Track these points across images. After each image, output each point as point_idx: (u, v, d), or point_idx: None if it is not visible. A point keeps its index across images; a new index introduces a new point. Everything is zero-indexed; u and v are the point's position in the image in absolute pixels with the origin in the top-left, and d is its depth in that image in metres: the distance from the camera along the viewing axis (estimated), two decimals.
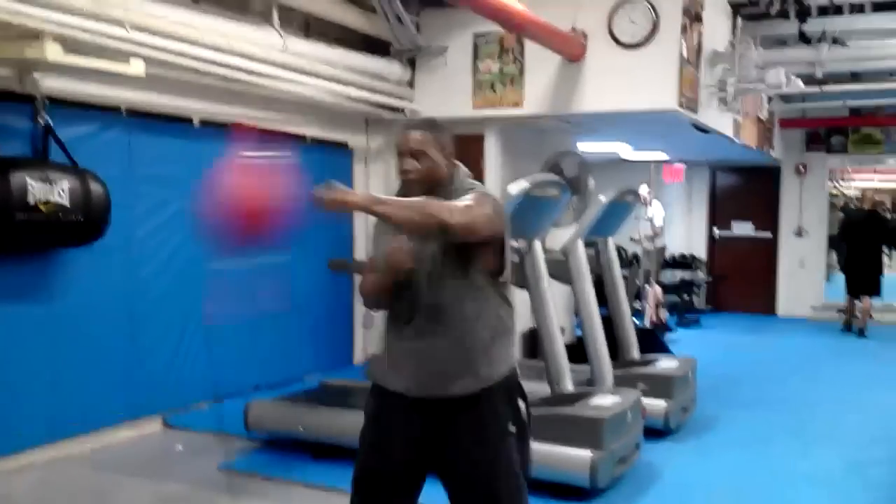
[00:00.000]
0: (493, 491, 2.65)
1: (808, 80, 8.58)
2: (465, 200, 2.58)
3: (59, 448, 5.24)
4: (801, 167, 12.90)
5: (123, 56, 4.75)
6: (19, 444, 5.00)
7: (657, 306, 10.54)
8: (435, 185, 2.69)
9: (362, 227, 8.11)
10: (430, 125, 2.78)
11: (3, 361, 4.71)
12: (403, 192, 2.72)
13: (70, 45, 4.43)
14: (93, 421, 5.48)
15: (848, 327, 11.35)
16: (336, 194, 2.43)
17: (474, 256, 2.64)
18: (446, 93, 7.57)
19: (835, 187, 15.92)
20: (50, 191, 4.60)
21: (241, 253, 2.74)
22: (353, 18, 7.09)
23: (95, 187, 4.90)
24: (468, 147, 7.72)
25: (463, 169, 2.81)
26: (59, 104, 5.05)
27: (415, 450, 2.72)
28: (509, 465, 2.67)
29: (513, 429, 2.69)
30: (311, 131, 7.29)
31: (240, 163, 2.65)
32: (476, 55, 7.47)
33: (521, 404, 2.75)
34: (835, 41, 8.22)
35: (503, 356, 2.72)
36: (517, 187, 4.73)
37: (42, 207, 4.57)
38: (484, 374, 2.66)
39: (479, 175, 7.68)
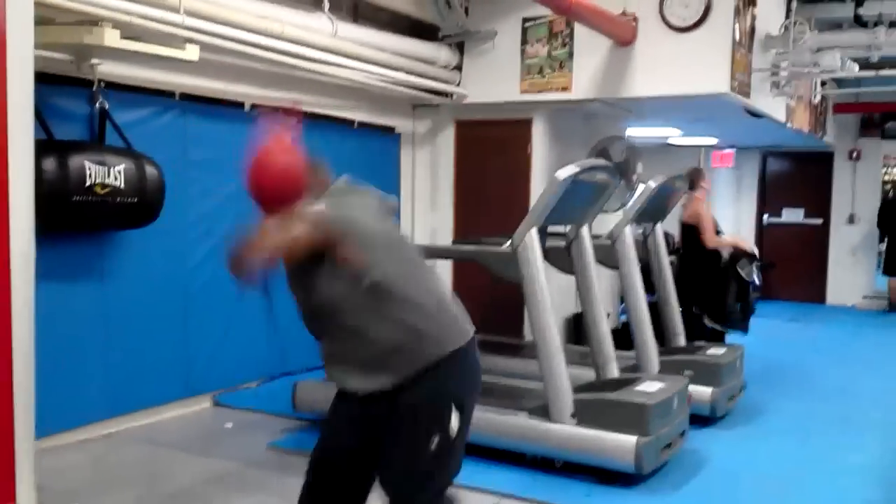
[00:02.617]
0: (404, 489, 2.72)
1: (864, 64, 8.42)
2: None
3: (114, 424, 5.39)
4: (854, 153, 12.66)
5: (179, 41, 4.82)
6: (77, 421, 5.14)
7: None
8: None
9: (407, 213, 8.17)
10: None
11: (61, 340, 4.83)
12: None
13: (127, 31, 4.51)
14: (146, 398, 5.62)
15: (891, 307, 11.29)
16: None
17: (321, 267, 2.63)
18: (494, 77, 7.57)
19: (887, 174, 15.59)
20: (106, 173, 4.69)
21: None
22: (401, 3, 7.11)
23: (150, 170, 4.99)
24: (515, 131, 7.74)
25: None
26: (116, 88, 5.15)
27: (354, 444, 2.80)
28: (429, 458, 2.66)
29: (435, 440, 2.64)
30: (359, 116, 7.34)
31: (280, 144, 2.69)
32: (524, 39, 7.45)
33: (454, 416, 2.67)
34: (891, 25, 8.06)
35: (418, 353, 2.65)
36: (565, 172, 4.72)
37: (98, 189, 4.66)
38: (394, 374, 2.65)
39: (526, 160, 7.70)
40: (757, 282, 7.22)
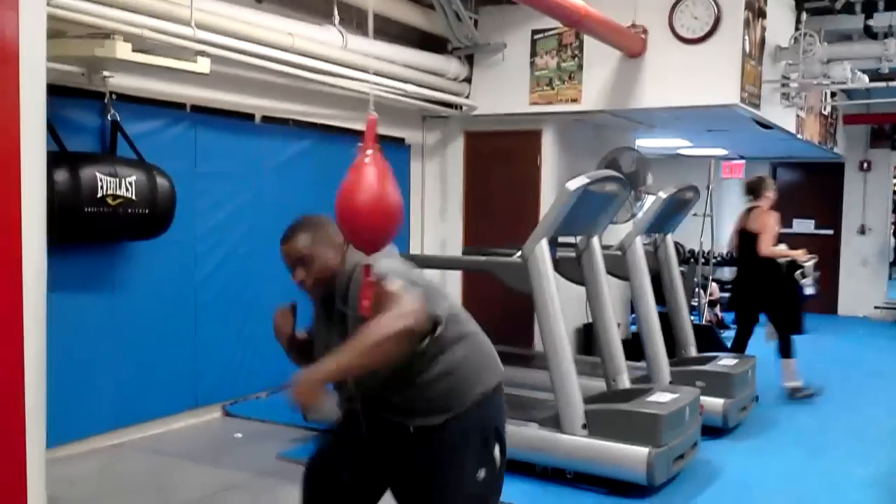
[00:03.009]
0: None
1: (874, 75, 8.40)
2: (391, 288, 2.37)
3: (124, 434, 5.39)
4: (864, 164, 12.62)
5: (190, 54, 4.85)
6: (85, 430, 5.15)
7: (714, 304, 10.41)
8: (332, 277, 2.62)
9: (417, 224, 8.18)
10: (301, 227, 2.69)
11: (70, 350, 4.84)
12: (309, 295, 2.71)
13: (138, 44, 4.54)
14: (156, 409, 5.63)
15: None
16: (306, 391, 2.32)
17: None
18: (503, 89, 7.58)
19: None
20: (118, 185, 4.72)
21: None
22: (411, 16, 7.13)
23: (161, 181, 5.01)
24: (525, 143, 7.75)
25: (351, 254, 2.60)
26: (127, 100, 5.18)
27: (366, 467, 2.70)
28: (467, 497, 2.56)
29: (482, 474, 2.54)
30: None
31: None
32: (534, 51, 7.46)
33: (497, 449, 2.59)
34: None
35: (457, 397, 2.54)
36: (576, 183, 4.72)
37: (110, 201, 4.68)
38: (432, 417, 2.53)
39: (536, 171, 7.70)
40: (813, 291, 7.57)
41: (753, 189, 7.22)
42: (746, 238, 7.13)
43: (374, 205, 2.41)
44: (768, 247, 6.98)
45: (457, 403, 2.53)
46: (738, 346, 7.11)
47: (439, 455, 2.54)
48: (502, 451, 2.60)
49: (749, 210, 7.25)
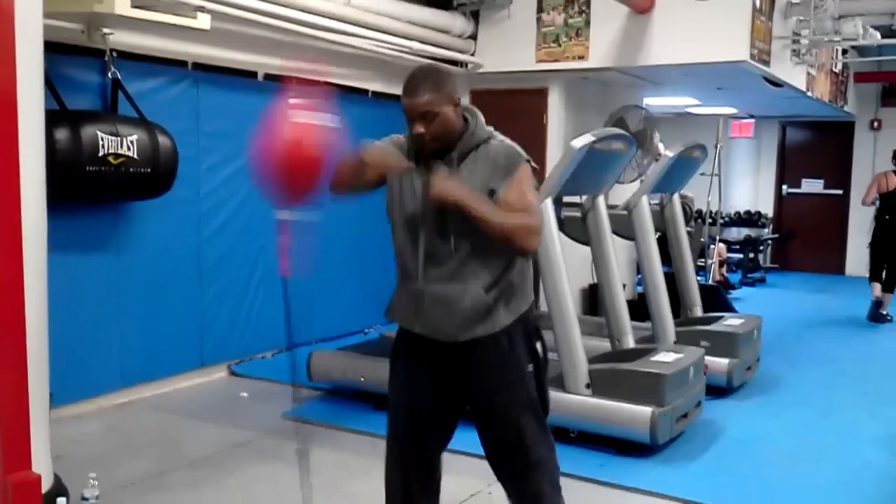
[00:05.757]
0: (517, 427, 2.71)
1: (886, 32, 8.27)
2: (523, 194, 2.59)
3: (130, 394, 5.42)
4: (875, 123, 12.49)
5: (190, 10, 4.79)
6: (91, 390, 5.18)
7: (721, 264, 10.38)
8: (449, 137, 2.64)
9: None
10: (433, 80, 2.65)
11: (75, 310, 4.85)
12: (416, 151, 2.69)
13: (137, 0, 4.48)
14: (162, 368, 5.65)
15: None
16: (446, 188, 2.50)
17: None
18: (510, 46, 7.49)
19: None
20: (119, 144, 4.69)
21: (301, 206, 2.72)
22: None
23: (163, 140, 4.97)
24: (531, 100, 7.67)
25: (480, 116, 2.74)
26: (128, 58, 5.12)
27: (440, 388, 2.77)
28: (529, 402, 2.73)
29: (530, 368, 2.73)
30: (374, 86, 7.29)
31: (296, 116, 2.60)
32: (540, 7, 7.36)
33: (538, 345, 2.78)
34: None
35: (519, 299, 2.73)
36: (581, 141, 4.66)
37: (111, 160, 4.65)
38: (497, 320, 2.67)
39: (542, 129, 7.63)
40: None
41: None
42: (888, 198, 9.01)
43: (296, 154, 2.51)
44: None
45: (517, 308, 2.71)
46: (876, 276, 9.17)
47: (500, 358, 2.69)
48: (544, 347, 2.81)
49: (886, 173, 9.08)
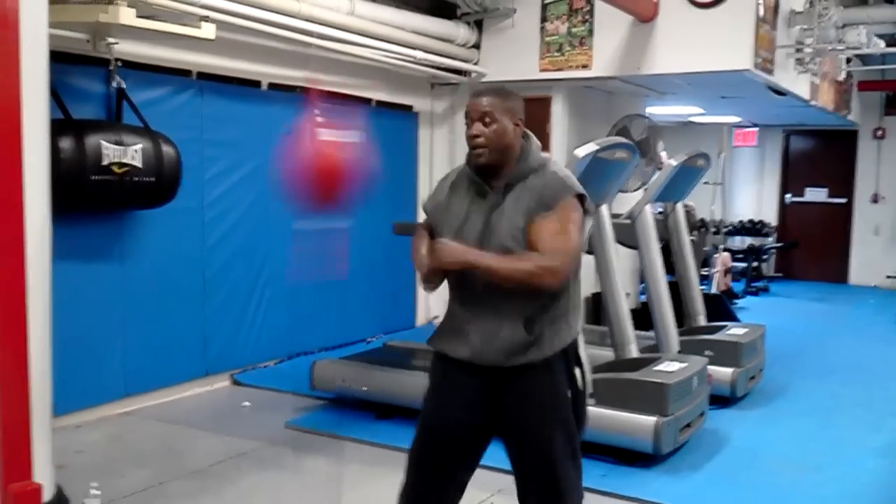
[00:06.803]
0: (549, 455, 2.69)
1: (890, 40, 8.27)
2: (553, 231, 2.56)
3: (132, 403, 5.42)
4: (879, 131, 12.47)
5: (194, 20, 4.80)
6: (94, 399, 5.17)
7: (726, 273, 10.36)
8: (502, 153, 2.65)
9: (426, 192, 8.13)
10: (500, 91, 2.72)
11: (78, 319, 4.85)
12: (469, 159, 2.69)
13: (142, 9, 4.49)
14: (164, 377, 5.64)
15: None
16: (448, 255, 2.54)
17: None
18: (513, 55, 7.50)
19: None
20: (123, 153, 4.69)
21: (314, 215, 2.74)
22: None
23: (167, 149, 4.98)
24: (535, 109, 7.65)
25: (535, 142, 2.74)
26: (132, 67, 5.14)
27: (475, 412, 2.75)
28: (566, 429, 2.71)
29: (569, 394, 2.71)
30: (378, 95, 7.30)
31: (312, 126, 2.62)
32: (544, 16, 7.37)
33: (577, 372, 2.76)
34: None
35: (564, 331, 2.72)
36: (585, 150, 4.66)
37: (115, 169, 4.66)
38: (545, 348, 2.66)
39: (545, 138, 7.62)
40: None
41: None
42: None
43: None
44: None
45: (559, 342, 2.68)
46: None
47: (540, 385, 2.68)
48: (583, 374, 2.78)
49: None
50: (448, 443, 2.78)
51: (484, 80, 7.67)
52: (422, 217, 2.85)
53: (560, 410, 2.70)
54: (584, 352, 2.88)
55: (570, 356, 2.75)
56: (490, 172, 2.66)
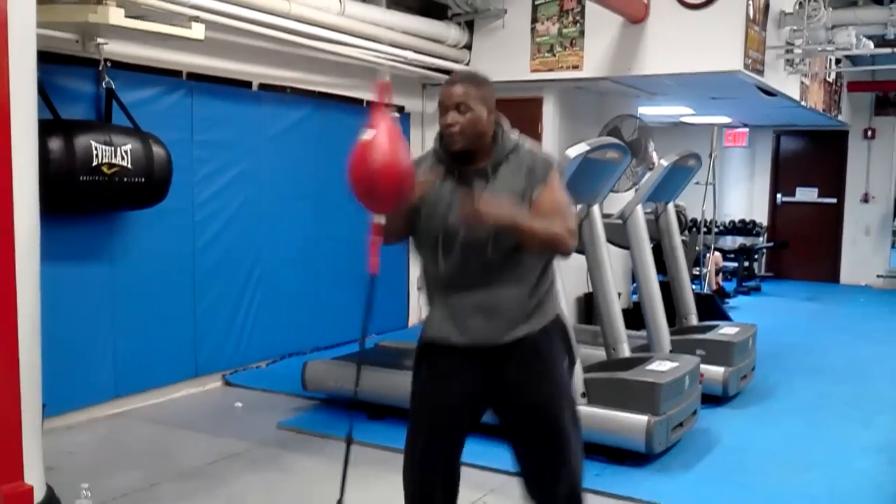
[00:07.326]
0: (556, 422, 2.75)
1: (879, 41, 8.30)
2: (559, 200, 2.68)
3: (123, 404, 5.40)
4: (869, 132, 12.53)
5: (184, 20, 4.78)
6: (85, 401, 5.15)
7: (717, 272, 10.38)
8: (478, 139, 2.70)
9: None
10: (473, 79, 2.78)
11: (68, 320, 4.83)
12: (444, 145, 2.74)
13: (131, 9, 4.47)
14: (155, 378, 5.62)
15: None
16: (496, 209, 2.54)
17: None
18: (504, 56, 7.50)
19: None
20: (113, 153, 4.68)
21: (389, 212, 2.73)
22: None
23: (157, 150, 4.96)
24: (526, 110, 7.67)
25: (506, 124, 2.80)
26: (122, 68, 5.12)
27: (472, 389, 2.79)
28: (568, 399, 2.82)
29: (566, 364, 2.85)
30: (368, 95, 7.29)
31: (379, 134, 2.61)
32: (535, 17, 7.37)
33: (571, 343, 2.90)
34: None
35: (553, 303, 2.83)
36: (576, 150, 4.67)
37: (105, 169, 4.64)
38: (538, 320, 2.75)
39: (536, 139, 7.61)
40: None
41: None
42: None
43: (389, 166, 2.54)
44: None
45: (553, 310, 2.82)
46: None
47: (541, 355, 2.77)
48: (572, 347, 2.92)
49: None
50: (444, 422, 2.81)
51: None
52: None
53: (563, 381, 2.82)
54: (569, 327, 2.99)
55: (562, 327, 2.87)
56: (467, 158, 2.72)
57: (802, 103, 9.05)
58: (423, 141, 8.19)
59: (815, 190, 13.09)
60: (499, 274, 2.68)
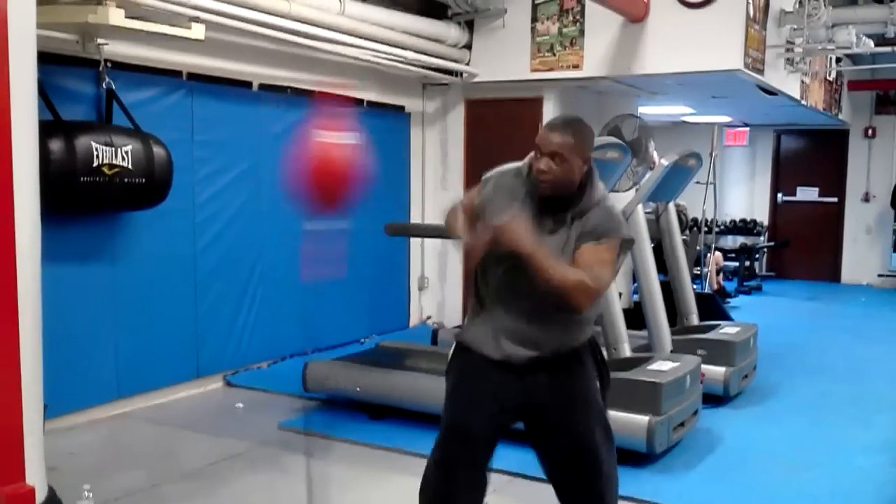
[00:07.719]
0: (590, 439, 2.82)
1: (879, 40, 8.30)
2: (600, 260, 2.65)
3: (125, 405, 5.40)
4: (869, 130, 12.53)
5: (184, 20, 4.78)
6: (86, 401, 5.14)
7: (718, 272, 10.38)
8: (566, 188, 2.71)
9: (417, 193, 8.14)
10: (573, 128, 2.75)
11: (70, 321, 4.83)
12: (530, 188, 2.75)
13: (132, 10, 4.48)
14: (156, 379, 5.62)
15: None
16: (513, 233, 2.56)
17: None
18: (504, 55, 7.50)
19: None
20: (114, 154, 4.67)
21: (330, 216, 2.78)
22: None
23: (158, 150, 4.96)
24: (526, 109, 7.68)
25: (597, 181, 2.80)
26: (122, 68, 5.12)
27: (506, 408, 2.83)
28: (600, 415, 2.88)
29: (597, 382, 2.90)
30: (369, 95, 7.29)
31: (313, 130, 2.65)
32: (535, 17, 7.37)
33: (602, 360, 2.96)
34: None
35: (589, 325, 2.90)
36: None
37: (106, 170, 4.64)
38: (571, 343, 2.82)
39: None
40: None
41: None
42: None
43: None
44: None
45: (589, 330, 2.89)
46: None
47: (574, 372, 2.84)
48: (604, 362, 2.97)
49: None
50: (478, 440, 2.83)
51: (475, 80, 7.67)
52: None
53: (595, 398, 2.87)
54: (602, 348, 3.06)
55: (594, 344, 2.92)
56: (552, 201, 2.74)
57: (803, 102, 9.04)
58: (424, 141, 8.20)
59: (816, 189, 13.08)
60: (547, 314, 2.72)
